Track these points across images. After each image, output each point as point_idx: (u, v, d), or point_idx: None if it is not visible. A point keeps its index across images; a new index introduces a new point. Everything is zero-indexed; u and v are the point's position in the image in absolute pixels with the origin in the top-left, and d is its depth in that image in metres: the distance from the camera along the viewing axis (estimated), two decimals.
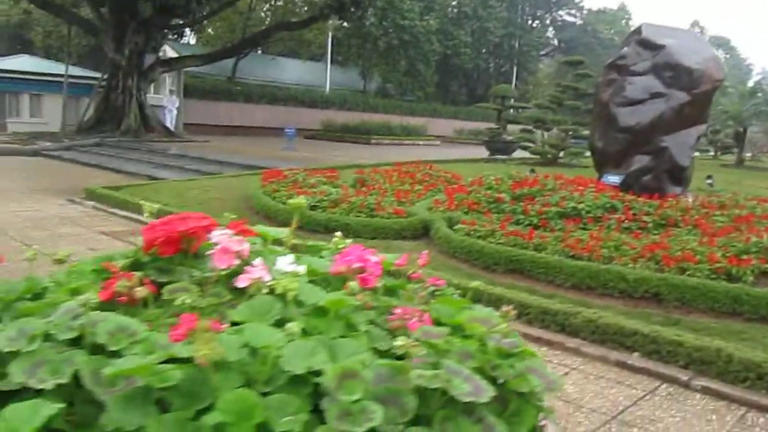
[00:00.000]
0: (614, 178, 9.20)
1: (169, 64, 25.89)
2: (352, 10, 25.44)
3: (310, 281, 1.24)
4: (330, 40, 37.63)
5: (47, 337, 1.01)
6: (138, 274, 1.19)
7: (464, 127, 38.68)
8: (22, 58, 30.76)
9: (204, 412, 0.86)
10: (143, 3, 22.37)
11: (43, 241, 7.29)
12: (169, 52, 30.15)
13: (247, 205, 9.40)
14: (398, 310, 1.19)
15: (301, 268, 1.16)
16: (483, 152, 22.32)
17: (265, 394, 0.89)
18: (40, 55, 32.48)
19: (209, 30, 35.97)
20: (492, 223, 6.93)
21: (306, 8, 33.68)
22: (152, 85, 26.91)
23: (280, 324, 1.05)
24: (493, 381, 1.04)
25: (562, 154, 18.75)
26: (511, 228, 6.76)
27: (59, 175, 14.65)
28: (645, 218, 7.16)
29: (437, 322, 1.23)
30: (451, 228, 7.07)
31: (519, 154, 21.33)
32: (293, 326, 0.94)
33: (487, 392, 0.95)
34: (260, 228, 1.46)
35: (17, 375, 0.93)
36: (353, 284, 1.13)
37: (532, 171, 12.06)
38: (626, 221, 7.03)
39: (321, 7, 26.02)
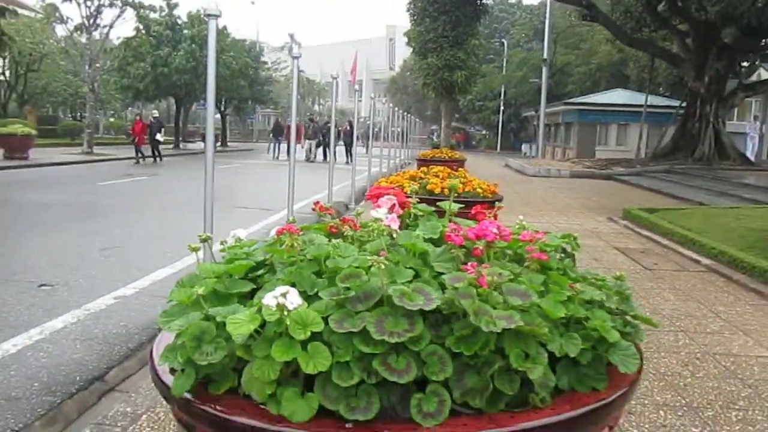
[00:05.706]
0: None
1: (752, 88, 24.24)
2: None
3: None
4: None
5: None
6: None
7: None
8: (614, 93, 34.03)
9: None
10: (728, 28, 21.73)
11: None
12: (763, 74, 28.11)
13: None
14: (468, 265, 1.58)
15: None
16: None
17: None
18: (633, 88, 35.01)
19: None
20: None
21: None
22: (735, 111, 25.72)
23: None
24: None
25: None
26: None
27: (616, 197, 15.89)
28: None
29: None
30: None
31: None
32: (339, 242, 1.52)
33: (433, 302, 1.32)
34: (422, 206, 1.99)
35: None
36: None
37: None
38: None
39: None
